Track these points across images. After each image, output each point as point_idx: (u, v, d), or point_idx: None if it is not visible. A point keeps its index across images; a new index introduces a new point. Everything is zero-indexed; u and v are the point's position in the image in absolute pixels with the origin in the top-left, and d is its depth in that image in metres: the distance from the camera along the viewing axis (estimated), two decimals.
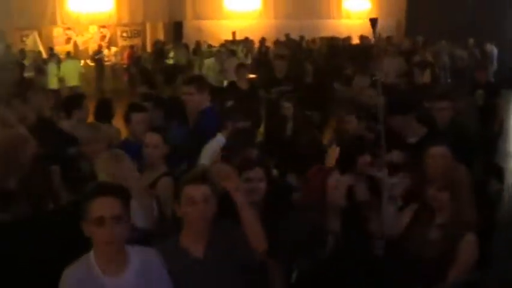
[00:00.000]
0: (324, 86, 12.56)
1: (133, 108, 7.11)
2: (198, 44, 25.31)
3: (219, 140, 6.51)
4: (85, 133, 6.42)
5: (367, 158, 5.46)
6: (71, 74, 20.78)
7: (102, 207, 3.46)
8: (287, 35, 26.67)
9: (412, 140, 6.69)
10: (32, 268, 4.30)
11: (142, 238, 4.50)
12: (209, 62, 19.01)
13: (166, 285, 3.73)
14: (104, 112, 8.06)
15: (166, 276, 3.73)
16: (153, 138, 5.94)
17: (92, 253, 3.59)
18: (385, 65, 15.75)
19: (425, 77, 12.83)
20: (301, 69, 14.18)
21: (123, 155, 5.30)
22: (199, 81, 7.57)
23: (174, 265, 3.82)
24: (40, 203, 5.17)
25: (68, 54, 23.41)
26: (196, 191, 3.84)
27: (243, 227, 4.14)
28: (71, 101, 7.78)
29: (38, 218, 5.01)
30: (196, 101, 7.33)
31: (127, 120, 6.99)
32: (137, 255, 3.67)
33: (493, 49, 24.23)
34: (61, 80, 20.86)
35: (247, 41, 25.80)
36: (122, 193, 3.60)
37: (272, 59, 17.36)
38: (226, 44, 24.91)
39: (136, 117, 6.89)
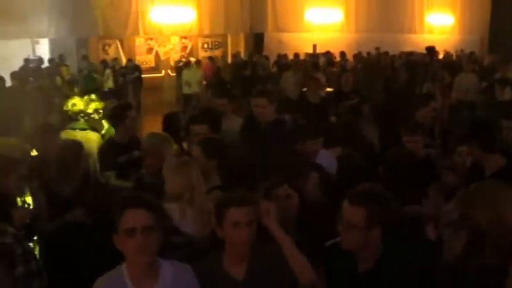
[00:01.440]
0: (397, 102, 12.34)
1: (192, 120, 7.17)
2: (279, 57, 25.39)
3: None
4: (143, 144, 6.60)
5: None
6: (194, 80, 21.31)
7: (133, 218, 3.45)
8: (377, 48, 26.60)
9: (488, 172, 5.96)
10: (79, 274, 4.39)
11: (191, 245, 4.52)
12: (288, 74, 18.87)
13: None
14: (172, 126, 8.11)
15: None
16: (196, 151, 5.98)
17: (124, 265, 3.59)
18: (464, 81, 15.42)
19: (506, 95, 12.52)
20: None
21: (190, 162, 5.34)
22: (270, 94, 7.54)
23: (214, 286, 3.78)
24: (94, 211, 5.25)
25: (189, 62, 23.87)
26: (242, 215, 3.73)
27: (288, 261, 3.95)
28: (114, 113, 7.82)
29: (90, 225, 5.13)
30: (268, 113, 7.32)
31: (187, 131, 7.05)
32: (169, 269, 3.64)
33: None
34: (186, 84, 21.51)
35: (328, 54, 25.74)
36: (152, 205, 3.58)
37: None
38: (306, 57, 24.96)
39: (195, 129, 6.93)
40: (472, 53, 26.27)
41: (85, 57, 23.23)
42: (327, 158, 6.58)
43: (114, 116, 7.63)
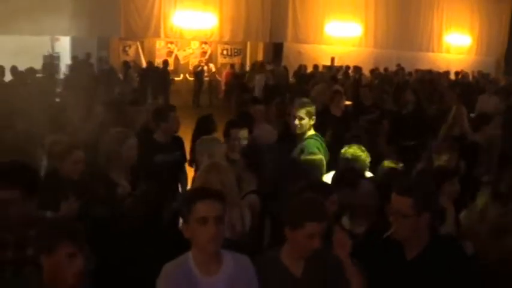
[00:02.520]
0: (422, 117, 12.41)
1: (232, 124, 7.36)
2: (299, 67, 25.58)
3: None
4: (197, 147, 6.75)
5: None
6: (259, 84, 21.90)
7: (206, 208, 3.68)
8: (398, 65, 26.88)
9: None
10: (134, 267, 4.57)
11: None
12: (320, 87, 18.77)
13: None
14: (206, 127, 8.23)
15: (257, 284, 3.89)
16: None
17: (190, 253, 3.81)
18: (482, 103, 15.59)
19: None
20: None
21: (224, 167, 5.46)
22: (309, 107, 7.54)
23: (272, 280, 3.96)
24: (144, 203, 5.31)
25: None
26: (318, 228, 3.88)
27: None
28: (158, 113, 7.97)
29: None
30: (305, 125, 7.41)
31: (226, 135, 7.23)
32: (231, 259, 3.87)
33: None
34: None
35: (346, 68, 25.90)
36: (222, 197, 3.82)
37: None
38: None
39: (235, 133, 7.13)
40: (484, 74, 26.46)
41: (101, 59, 23.52)
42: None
43: (157, 114, 7.81)
